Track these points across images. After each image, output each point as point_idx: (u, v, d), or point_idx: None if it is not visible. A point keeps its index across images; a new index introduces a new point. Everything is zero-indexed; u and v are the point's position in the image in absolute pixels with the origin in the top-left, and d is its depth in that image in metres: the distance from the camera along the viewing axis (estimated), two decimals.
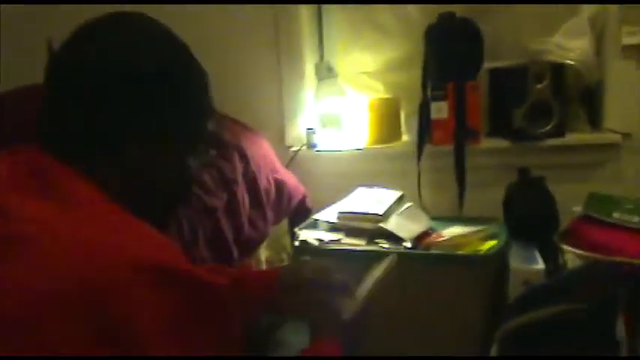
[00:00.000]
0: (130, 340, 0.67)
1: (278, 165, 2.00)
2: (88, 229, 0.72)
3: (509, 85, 1.96)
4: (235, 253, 1.58)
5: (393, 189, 1.90)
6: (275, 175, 1.92)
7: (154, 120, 0.84)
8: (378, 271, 1.11)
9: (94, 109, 0.82)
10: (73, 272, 0.68)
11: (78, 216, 0.73)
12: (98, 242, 0.70)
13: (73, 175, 0.78)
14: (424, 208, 1.96)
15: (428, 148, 2.04)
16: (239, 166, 1.70)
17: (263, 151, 1.92)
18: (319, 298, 1.04)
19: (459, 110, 1.94)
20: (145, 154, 0.84)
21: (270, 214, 1.82)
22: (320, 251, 1.69)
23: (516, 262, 1.56)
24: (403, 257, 1.64)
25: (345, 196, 1.92)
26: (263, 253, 1.87)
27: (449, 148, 1.99)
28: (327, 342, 0.97)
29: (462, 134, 1.95)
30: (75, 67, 0.83)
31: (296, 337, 1.07)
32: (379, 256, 1.59)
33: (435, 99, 1.97)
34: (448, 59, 1.96)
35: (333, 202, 1.92)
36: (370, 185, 1.96)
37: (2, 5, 2.28)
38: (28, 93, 1.85)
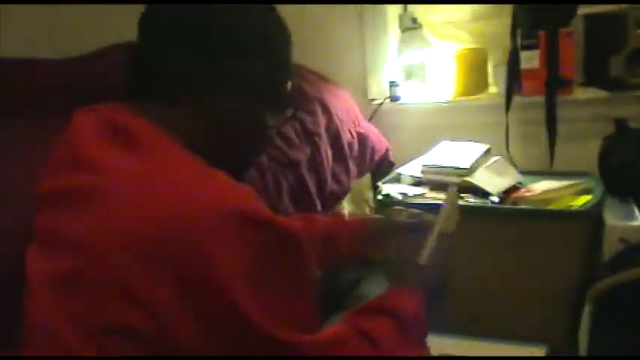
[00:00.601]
0: (211, 285, 0.68)
1: (360, 118, 1.98)
2: (170, 178, 0.73)
3: (607, 31, 1.84)
4: (318, 207, 1.58)
5: (478, 142, 1.85)
6: (358, 129, 1.90)
7: (239, 72, 0.85)
8: (440, 214, 1.07)
9: (181, 57, 0.82)
10: (157, 220, 0.69)
11: (160, 167, 0.75)
12: (180, 191, 0.71)
13: (153, 129, 0.79)
14: (512, 162, 1.89)
15: (516, 100, 1.95)
16: (322, 120, 1.69)
17: (345, 104, 1.89)
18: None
19: (552, 59, 1.84)
20: (227, 105, 0.85)
21: (352, 168, 1.81)
22: (403, 205, 1.67)
23: (612, 218, 1.48)
24: (490, 213, 1.61)
25: (428, 149, 1.88)
26: (346, 206, 1.87)
27: (539, 99, 1.89)
28: (409, 290, 0.95)
29: (554, 84, 1.85)
30: (167, 17, 0.84)
31: (375, 291, 1.06)
32: (466, 210, 1.58)
33: (526, 48, 1.88)
34: (540, 5, 1.85)
35: (417, 156, 1.88)
36: (455, 139, 1.91)
37: None
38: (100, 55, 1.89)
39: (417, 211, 1.13)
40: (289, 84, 0.93)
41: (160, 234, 0.68)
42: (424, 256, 0.98)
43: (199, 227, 0.68)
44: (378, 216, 1.18)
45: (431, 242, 0.99)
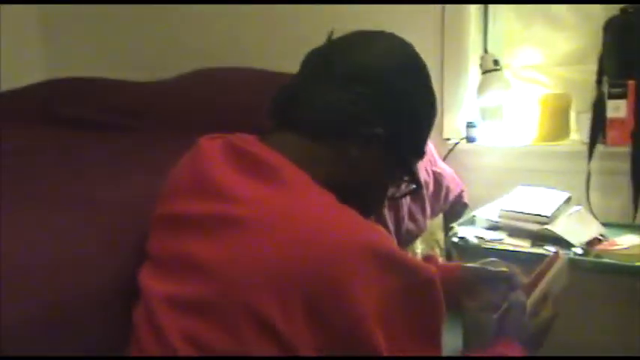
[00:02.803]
0: (348, 322, 0.68)
1: (437, 158, 1.96)
2: (309, 211, 0.74)
3: None
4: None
5: (557, 190, 1.80)
6: (434, 168, 1.88)
7: (390, 134, 0.85)
8: (549, 273, 1.04)
9: (340, 102, 0.84)
10: (297, 253, 0.69)
11: (297, 198, 0.76)
12: (322, 228, 0.72)
13: (289, 162, 0.80)
14: (592, 213, 1.84)
15: (599, 149, 1.90)
16: None
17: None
18: (503, 297, 1.00)
19: None
20: (364, 159, 0.85)
21: (428, 208, 1.79)
22: (480, 250, 1.64)
23: None
24: (572, 263, 1.55)
25: (504, 193, 1.84)
26: (419, 246, 1.84)
27: (624, 149, 1.84)
28: (507, 343, 0.93)
29: None
30: (338, 64, 0.86)
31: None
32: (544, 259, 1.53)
33: (613, 96, 1.84)
34: (631, 54, 1.81)
35: (491, 200, 1.85)
36: (533, 184, 1.87)
37: None
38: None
39: (510, 265, 1.10)
40: (417, 160, 0.94)
41: (302, 271, 0.69)
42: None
43: (339, 263, 0.69)
44: (472, 264, 1.15)
45: (535, 297, 0.97)
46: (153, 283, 0.79)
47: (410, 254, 0.80)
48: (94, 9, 2.67)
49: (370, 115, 0.84)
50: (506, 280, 1.04)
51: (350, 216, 0.76)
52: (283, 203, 0.75)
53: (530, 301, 0.98)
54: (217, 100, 1.82)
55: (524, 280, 1.03)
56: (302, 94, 0.87)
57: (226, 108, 1.74)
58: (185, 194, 0.84)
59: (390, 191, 0.95)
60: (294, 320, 0.68)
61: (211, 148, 0.85)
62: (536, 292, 1.00)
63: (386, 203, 1.06)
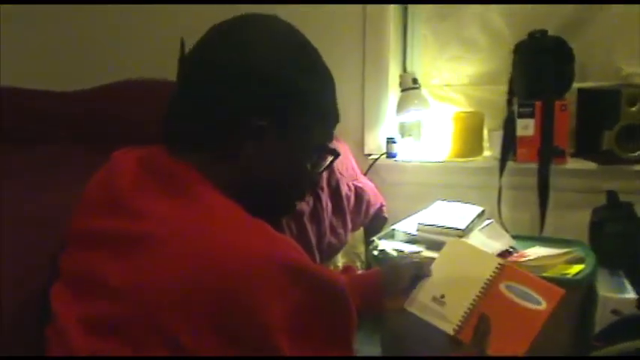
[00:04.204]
0: (257, 336, 0.68)
1: (358, 172, 2.01)
2: (215, 227, 0.73)
3: (600, 106, 1.92)
4: (317, 259, 1.59)
5: (471, 204, 1.88)
6: (355, 182, 1.93)
7: (287, 124, 0.84)
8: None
9: (229, 104, 0.82)
10: (204, 270, 0.69)
11: (203, 214, 0.75)
12: (226, 241, 0.71)
13: (196, 175, 0.79)
14: (503, 226, 1.93)
15: (510, 165, 2.01)
16: (324, 172, 1.71)
17: (345, 158, 1.93)
18: None
19: (547, 129, 1.90)
20: (269, 154, 0.84)
21: (349, 222, 1.83)
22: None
23: (605, 289, 1.52)
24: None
25: (422, 208, 1.90)
26: (340, 259, 1.87)
27: (532, 165, 1.95)
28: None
29: (548, 153, 1.91)
30: (207, 65, 0.83)
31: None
32: None
33: (522, 116, 1.95)
34: (538, 77, 1.93)
35: (410, 213, 1.91)
36: (449, 198, 1.95)
37: None
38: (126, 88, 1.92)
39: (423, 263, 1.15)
40: (331, 132, 0.93)
41: (208, 287, 0.69)
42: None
43: (246, 278, 0.69)
44: (386, 267, 1.19)
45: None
46: (65, 303, 0.78)
47: (322, 265, 0.80)
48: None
49: (247, 109, 0.81)
50: (417, 268, 1.09)
51: (258, 229, 0.75)
52: (188, 219, 0.74)
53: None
54: (134, 112, 1.80)
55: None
56: (179, 106, 0.85)
57: (143, 120, 1.71)
58: (97, 211, 0.82)
59: (315, 168, 0.93)
60: (203, 337, 0.68)
61: (124, 162, 0.83)
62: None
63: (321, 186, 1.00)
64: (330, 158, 0.95)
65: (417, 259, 1.15)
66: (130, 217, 0.77)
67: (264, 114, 0.82)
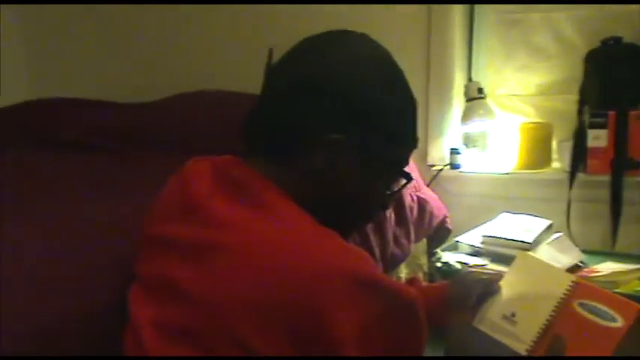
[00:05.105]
0: (328, 350, 0.68)
1: (421, 183, 1.99)
2: (289, 238, 0.74)
3: None
4: (380, 270, 1.57)
5: (538, 217, 1.83)
6: (418, 194, 1.90)
7: (361, 142, 0.84)
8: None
9: (300, 117, 0.82)
10: (278, 280, 0.70)
11: (278, 224, 0.76)
12: (302, 253, 0.72)
13: (272, 187, 0.80)
14: (572, 240, 1.86)
15: (580, 177, 1.94)
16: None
17: (409, 168, 1.90)
18: None
19: (620, 139, 1.83)
20: (334, 168, 0.83)
21: (412, 232, 1.81)
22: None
23: None
24: None
25: (487, 220, 1.87)
26: (403, 270, 1.85)
27: (604, 178, 1.88)
28: None
29: (621, 164, 1.84)
30: (291, 77, 0.85)
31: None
32: None
33: (594, 126, 1.88)
34: (612, 85, 1.86)
35: (474, 226, 1.87)
36: (514, 211, 1.90)
37: None
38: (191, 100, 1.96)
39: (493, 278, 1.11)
40: (409, 155, 0.92)
41: (282, 297, 0.69)
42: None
43: (320, 290, 0.69)
44: (454, 282, 1.16)
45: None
46: (140, 306, 0.80)
47: (393, 278, 0.79)
48: (81, 25, 2.67)
49: (323, 123, 0.81)
50: (486, 285, 1.06)
51: (331, 240, 0.75)
52: (265, 229, 0.75)
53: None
54: (203, 122, 1.83)
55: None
56: (260, 116, 0.86)
57: (212, 130, 1.75)
58: (172, 217, 0.84)
59: (386, 190, 0.92)
60: (278, 346, 0.68)
61: (199, 170, 0.85)
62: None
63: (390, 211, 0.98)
64: (403, 181, 0.94)
65: (486, 275, 1.11)
66: (205, 225, 0.78)
67: (341, 129, 0.82)
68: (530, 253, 1.26)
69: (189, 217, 0.80)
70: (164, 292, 0.78)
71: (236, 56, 2.38)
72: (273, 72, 0.88)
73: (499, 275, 1.09)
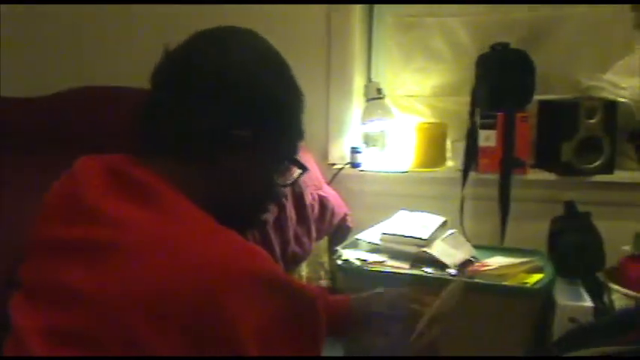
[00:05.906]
0: (227, 344, 0.68)
1: (322, 182, 2.01)
2: (187, 237, 0.73)
3: (560, 118, 1.96)
4: (281, 268, 1.58)
5: (434, 214, 1.90)
6: (319, 192, 1.93)
7: (255, 136, 0.84)
8: (440, 297, 1.11)
9: (200, 116, 0.82)
10: (176, 279, 0.69)
11: (175, 223, 0.74)
12: (197, 251, 0.71)
13: (167, 185, 0.78)
14: (465, 236, 1.95)
15: (472, 176, 2.04)
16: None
17: (309, 167, 1.93)
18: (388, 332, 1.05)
19: (508, 140, 1.94)
20: (239, 166, 0.85)
21: (313, 231, 1.83)
22: (362, 272, 1.69)
23: (562, 298, 1.55)
24: (445, 284, 1.64)
25: (386, 217, 1.92)
26: (304, 269, 1.87)
27: (494, 176, 1.98)
28: None
29: (509, 164, 1.94)
30: (186, 74, 0.84)
31: None
32: (423, 281, 1.60)
33: (484, 127, 1.98)
34: (500, 89, 1.96)
35: (374, 223, 1.92)
36: (412, 208, 1.96)
37: None
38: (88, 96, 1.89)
39: (399, 295, 1.14)
40: (299, 146, 0.94)
41: (178, 295, 0.68)
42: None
43: (219, 288, 0.69)
44: (360, 296, 1.18)
45: (420, 326, 1.02)
46: (25, 315, 0.76)
47: (294, 277, 0.80)
48: None
49: (228, 120, 0.82)
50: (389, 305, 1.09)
51: (229, 238, 0.75)
52: (160, 227, 0.73)
53: (418, 325, 1.03)
54: (93, 119, 1.77)
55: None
56: (156, 113, 0.85)
57: (105, 127, 1.69)
58: (62, 219, 0.81)
59: (282, 181, 0.94)
60: (175, 346, 0.67)
61: (88, 169, 0.82)
62: (425, 317, 1.05)
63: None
64: (297, 171, 0.96)
65: (414, 304, 1.13)
66: (97, 225, 0.76)
67: (243, 126, 0.83)
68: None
69: (80, 217, 0.77)
70: (54, 298, 0.74)
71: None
72: (165, 68, 0.87)
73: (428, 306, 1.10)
